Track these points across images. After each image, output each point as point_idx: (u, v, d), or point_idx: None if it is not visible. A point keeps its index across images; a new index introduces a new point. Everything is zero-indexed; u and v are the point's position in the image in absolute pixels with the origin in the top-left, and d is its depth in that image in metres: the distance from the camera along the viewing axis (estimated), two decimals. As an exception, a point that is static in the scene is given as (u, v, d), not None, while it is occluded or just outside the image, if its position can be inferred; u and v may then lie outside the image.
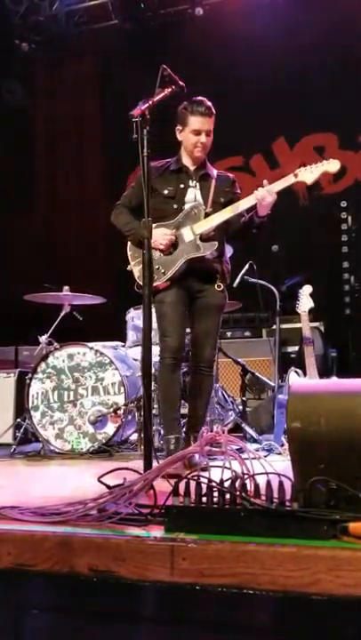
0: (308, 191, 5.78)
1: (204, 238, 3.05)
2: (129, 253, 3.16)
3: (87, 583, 1.58)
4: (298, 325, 3.81)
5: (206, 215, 3.06)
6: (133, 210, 3.05)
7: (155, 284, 2.99)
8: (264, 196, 2.95)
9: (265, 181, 2.99)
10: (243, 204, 3.03)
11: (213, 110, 3.05)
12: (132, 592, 1.56)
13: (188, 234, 3.06)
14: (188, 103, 3.06)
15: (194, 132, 3.05)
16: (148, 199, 2.45)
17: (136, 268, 3.10)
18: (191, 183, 3.13)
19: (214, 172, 3.19)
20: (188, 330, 3.18)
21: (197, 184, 3.13)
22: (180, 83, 2.67)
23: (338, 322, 5.35)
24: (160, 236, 3.02)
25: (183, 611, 1.56)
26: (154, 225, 3.02)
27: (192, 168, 3.15)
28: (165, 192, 3.08)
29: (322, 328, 5.03)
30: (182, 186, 3.11)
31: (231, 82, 5.88)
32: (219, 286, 3.11)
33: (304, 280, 3.95)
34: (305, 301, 3.63)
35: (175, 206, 3.09)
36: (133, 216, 3.05)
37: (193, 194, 3.11)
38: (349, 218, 5.48)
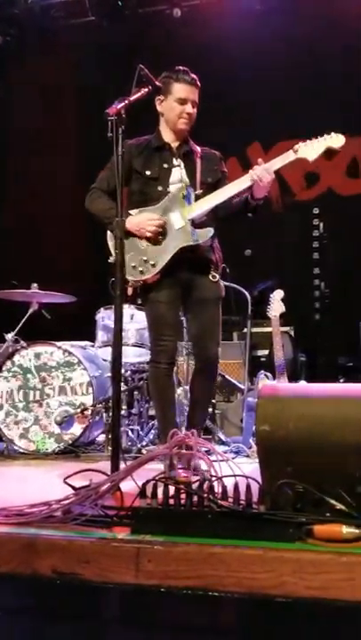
0: (282, 197, 5.84)
1: (197, 224, 2.75)
2: (110, 244, 2.75)
3: (51, 585, 1.55)
4: (268, 329, 3.82)
5: (197, 198, 2.76)
6: (111, 193, 2.71)
7: (143, 278, 2.73)
8: (262, 175, 2.65)
9: (260, 160, 2.73)
10: (237, 186, 2.73)
11: (199, 83, 2.84)
12: (97, 594, 1.54)
13: (177, 220, 2.75)
14: (172, 71, 2.81)
15: (179, 101, 2.79)
16: (121, 197, 2.37)
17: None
18: (175, 162, 2.83)
19: (198, 149, 2.92)
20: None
21: (182, 163, 2.84)
22: (157, 83, 2.60)
23: (307, 327, 5.40)
24: (145, 222, 2.72)
25: (148, 613, 1.54)
26: (136, 210, 2.80)
27: (175, 145, 2.86)
28: (148, 173, 2.79)
29: (292, 332, 5.08)
30: (166, 165, 2.81)
31: (207, 84, 5.88)
32: (213, 277, 2.81)
33: (276, 285, 3.97)
34: (276, 306, 3.64)
35: (160, 188, 2.79)
36: (112, 200, 2.69)
37: (178, 174, 2.81)
38: (321, 225, 5.54)
